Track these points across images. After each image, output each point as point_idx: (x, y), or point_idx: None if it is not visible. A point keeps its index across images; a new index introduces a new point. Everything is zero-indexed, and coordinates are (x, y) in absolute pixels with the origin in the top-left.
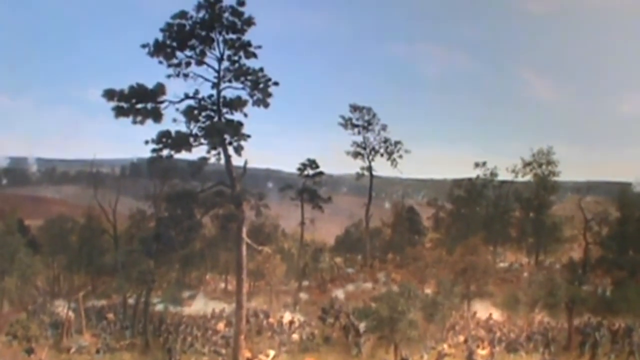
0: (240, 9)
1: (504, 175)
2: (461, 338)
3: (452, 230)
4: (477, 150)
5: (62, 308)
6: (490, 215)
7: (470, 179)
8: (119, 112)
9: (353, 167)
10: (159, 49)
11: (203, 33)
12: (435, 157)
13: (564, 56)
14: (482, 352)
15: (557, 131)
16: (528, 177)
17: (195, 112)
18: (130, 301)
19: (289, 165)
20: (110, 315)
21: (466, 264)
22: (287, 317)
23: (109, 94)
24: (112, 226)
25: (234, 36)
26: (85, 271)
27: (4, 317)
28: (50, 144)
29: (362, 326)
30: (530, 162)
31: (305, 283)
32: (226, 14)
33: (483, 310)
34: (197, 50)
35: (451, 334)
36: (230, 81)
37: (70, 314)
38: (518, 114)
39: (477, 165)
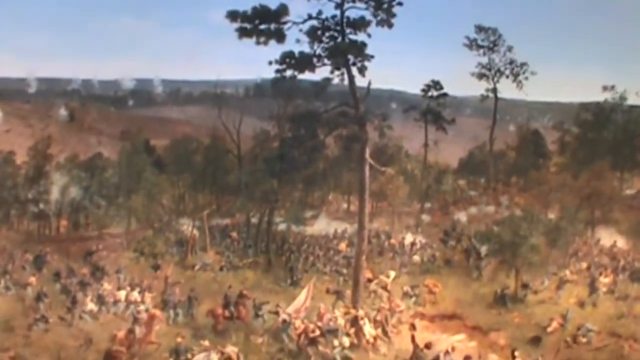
0: None
1: (633, 100)
2: (584, 265)
3: (578, 154)
4: (605, 73)
5: (186, 226)
6: (618, 140)
7: (598, 103)
8: (243, 33)
9: (477, 88)
10: None
11: None
12: (562, 80)
13: None
14: (604, 280)
15: None
16: None
17: (319, 32)
18: (254, 220)
19: (413, 86)
20: (234, 234)
21: (591, 190)
22: (408, 238)
23: (232, 15)
24: (236, 146)
25: None
26: (210, 190)
27: (132, 234)
28: (174, 65)
29: (483, 250)
30: None
31: (428, 205)
32: None
33: (607, 237)
34: None
35: (573, 260)
36: (353, 1)
37: (195, 232)
38: None
39: (605, 88)
